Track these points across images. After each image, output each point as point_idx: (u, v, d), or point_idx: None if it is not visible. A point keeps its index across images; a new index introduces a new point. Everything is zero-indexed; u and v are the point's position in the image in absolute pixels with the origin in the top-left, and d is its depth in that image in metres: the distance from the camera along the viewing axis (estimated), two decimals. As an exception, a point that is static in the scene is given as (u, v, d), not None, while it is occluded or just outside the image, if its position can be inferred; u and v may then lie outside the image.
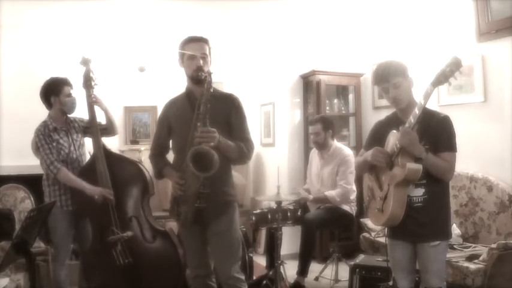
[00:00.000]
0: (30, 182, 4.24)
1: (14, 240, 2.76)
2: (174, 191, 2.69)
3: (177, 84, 5.11)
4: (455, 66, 2.24)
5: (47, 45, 4.65)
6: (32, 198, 4.19)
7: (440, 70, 2.27)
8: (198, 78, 2.57)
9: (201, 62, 2.62)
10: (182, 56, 2.70)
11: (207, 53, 2.68)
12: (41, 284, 3.64)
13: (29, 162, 4.36)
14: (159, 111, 5.08)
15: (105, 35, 4.74)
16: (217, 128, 2.53)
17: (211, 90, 2.59)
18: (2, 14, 4.50)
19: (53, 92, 3.37)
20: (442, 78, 2.27)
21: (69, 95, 3.37)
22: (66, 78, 3.42)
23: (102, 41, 4.68)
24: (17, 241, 2.71)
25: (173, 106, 2.82)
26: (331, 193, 4.25)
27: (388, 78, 2.46)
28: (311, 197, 4.35)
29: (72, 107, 3.39)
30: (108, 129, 3.55)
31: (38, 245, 3.73)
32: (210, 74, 2.54)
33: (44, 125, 3.37)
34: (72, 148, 3.39)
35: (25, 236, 2.76)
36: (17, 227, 3.81)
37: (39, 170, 4.33)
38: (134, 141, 4.81)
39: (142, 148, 4.69)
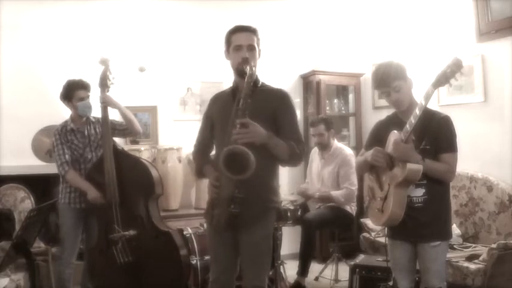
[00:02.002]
0: (30, 182, 4.24)
1: (14, 240, 2.76)
2: (209, 193, 2.50)
3: (177, 84, 5.16)
4: (456, 67, 2.22)
5: (47, 45, 4.65)
6: (32, 198, 4.18)
7: (441, 71, 2.26)
8: (244, 71, 2.36)
9: (247, 53, 2.42)
10: (228, 46, 2.51)
11: (255, 44, 2.47)
12: (41, 284, 3.64)
13: (29, 162, 4.36)
14: (159, 111, 5.14)
15: (105, 35, 4.74)
16: (262, 125, 2.32)
17: (259, 85, 2.47)
18: (2, 14, 4.50)
19: (66, 97, 3.42)
20: (443, 79, 2.26)
21: (82, 98, 3.39)
22: (80, 81, 3.43)
23: (103, 41, 4.67)
24: (17, 241, 2.71)
25: (218, 101, 2.63)
26: (336, 193, 4.26)
27: (388, 82, 2.45)
28: (317, 194, 4.35)
29: (84, 110, 3.42)
30: (129, 129, 3.56)
31: (38, 245, 3.72)
32: (251, 67, 2.34)
33: (63, 125, 3.46)
34: (87, 149, 3.44)
35: (25, 236, 2.76)
36: (17, 227, 3.80)
37: (39, 170, 4.35)
38: (134, 141, 4.80)
39: (142, 148, 4.68)
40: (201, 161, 2.66)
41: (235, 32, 2.50)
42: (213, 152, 2.66)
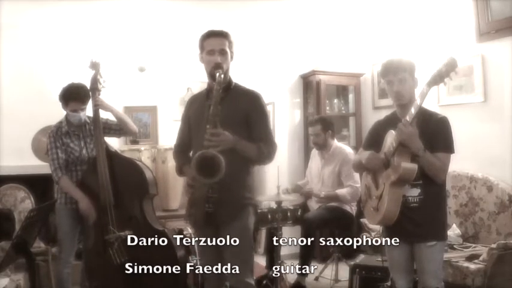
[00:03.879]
0: (30, 182, 4.25)
1: (14, 240, 2.76)
2: (185, 192, 2.66)
3: (177, 84, 5.16)
4: (450, 67, 2.26)
5: (47, 45, 4.65)
6: (32, 198, 4.19)
7: (436, 70, 2.30)
8: (215, 76, 2.47)
9: (219, 58, 2.53)
10: (202, 51, 2.62)
11: (227, 48, 2.58)
12: (41, 284, 3.65)
13: (29, 162, 4.37)
14: (159, 111, 5.15)
15: (105, 35, 4.74)
16: (234, 128, 2.47)
17: (232, 85, 2.56)
18: (2, 14, 4.50)
19: (62, 102, 3.40)
20: (438, 79, 2.29)
21: (75, 110, 3.35)
22: (77, 91, 3.36)
23: (102, 41, 4.68)
24: (17, 241, 2.72)
25: (194, 103, 2.75)
26: (342, 191, 4.25)
27: (396, 71, 2.48)
28: (323, 193, 4.34)
29: (74, 122, 3.39)
30: (124, 129, 3.56)
31: (38, 245, 3.73)
32: (220, 74, 2.44)
33: (58, 126, 3.41)
34: (84, 151, 3.42)
35: (25, 236, 2.77)
36: (17, 227, 3.81)
37: (39, 170, 4.35)
38: (134, 141, 4.81)
39: (142, 148, 4.69)
40: (180, 160, 2.78)
41: (208, 37, 2.60)
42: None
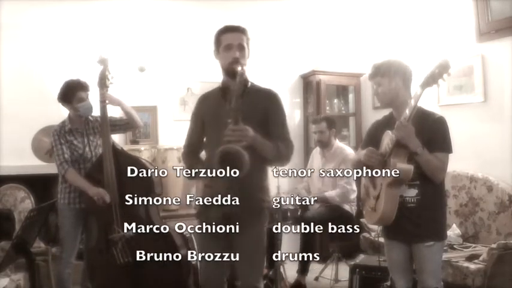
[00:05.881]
0: (30, 182, 4.24)
1: (14, 240, 2.76)
2: (202, 194, 2.53)
3: (177, 84, 5.16)
4: (443, 69, 2.28)
5: (47, 45, 4.65)
6: (32, 198, 4.18)
7: (429, 72, 2.31)
8: (235, 70, 2.38)
9: (237, 53, 2.44)
10: (218, 46, 2.51)
11: (245, 44, 2.49)
12: (41, 284, 3.65)
13: (29, 162, 4.36)
14: (159, 111, 5.15)
15: (105, 34, 4.74)
16: (253, 126, 2.33)
17: (249, 85, 2.49)
18: (2, 13, 4.50)
19: (65, 99, 3.39)
20: (431, 80, 2.31)
21: (82, 99, 3.36)
22: (79, 81, 3.39)
23: (103, 41, 4.67)
24: (17, 241, 2.72)
25: (207, 101, 2.63)
26: (330, 194, 4.28)
27: (372, 76, 2.62)
28: (315, 198, 4.36)
29: (85, 112, 3.39)
30: (130, 123, 3.56)
31: (38, 245, 3.73)
32: (243, 66, 2.38)
33: (61, 125, 3.42)
34: (87, 149, 3.43)
35: (25, 236, 2.77)
36: (17, 227, 3.81)
37: (39, 170, 4.36)
38: (134, 141, 4.81)
39: (142, 148, 4.69)
40: (193, 161, 2.65)
41: (225, 32, 2.51)
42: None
